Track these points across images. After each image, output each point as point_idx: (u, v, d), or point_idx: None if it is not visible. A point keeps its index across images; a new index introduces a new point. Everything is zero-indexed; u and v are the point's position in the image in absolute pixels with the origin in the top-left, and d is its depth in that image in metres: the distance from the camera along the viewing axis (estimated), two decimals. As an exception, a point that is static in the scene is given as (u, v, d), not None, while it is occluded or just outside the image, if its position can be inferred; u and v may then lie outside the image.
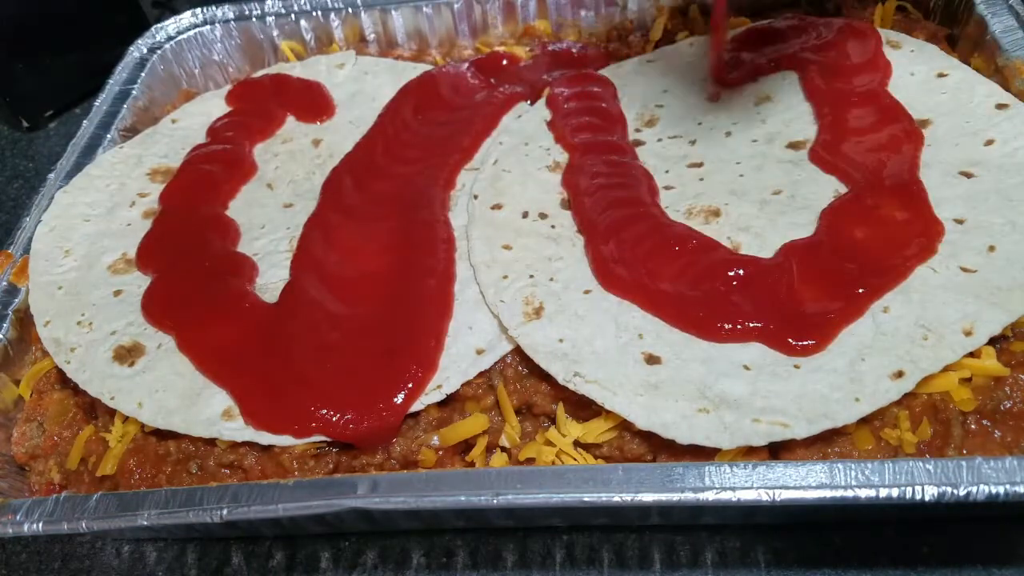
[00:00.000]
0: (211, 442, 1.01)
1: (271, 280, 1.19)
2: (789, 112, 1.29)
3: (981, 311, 0.95)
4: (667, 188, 1.20)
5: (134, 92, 1.55)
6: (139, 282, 1.20)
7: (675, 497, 0.84)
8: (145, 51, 1.62)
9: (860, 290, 0.98)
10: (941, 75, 1.27)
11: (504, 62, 1.54)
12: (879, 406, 0.90)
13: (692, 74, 1.42)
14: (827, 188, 1.14)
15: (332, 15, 1.64)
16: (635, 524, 1.05)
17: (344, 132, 1.44)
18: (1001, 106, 1.19)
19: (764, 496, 0.83)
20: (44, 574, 1.12)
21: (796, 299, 0.99)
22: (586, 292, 1.07)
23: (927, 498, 0.81)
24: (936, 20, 1.44)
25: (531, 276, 1.10)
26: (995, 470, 0.82)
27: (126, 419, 1.05)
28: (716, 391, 0.93)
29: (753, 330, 0.98)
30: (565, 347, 1.00)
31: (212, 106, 1.54)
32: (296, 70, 1.59)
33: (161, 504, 0.91)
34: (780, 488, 0.83)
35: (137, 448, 1.03)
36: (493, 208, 1.21)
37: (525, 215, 1.20)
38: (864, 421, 0.91)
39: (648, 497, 0.84)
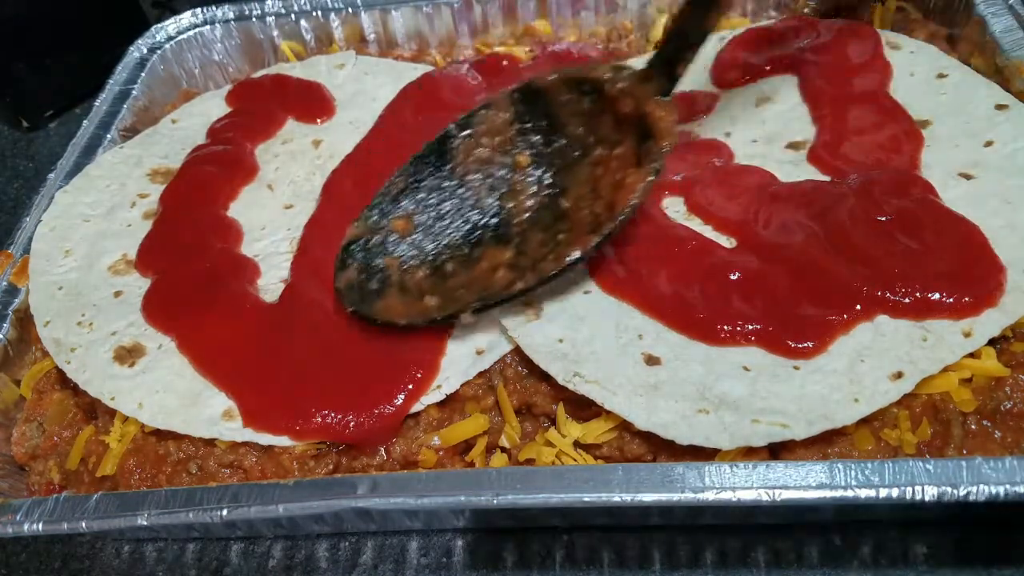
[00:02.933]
0: (211, 442, 1.01)
1: (272, 281, 1.19)
2: (789, 112, 1.29)
3: (980, 312, 0.95)
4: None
5: (134, 92, 1.55)
6: (139, 283, 1.20)
7: (675, 497, 0.84)
8: (145, 51, 1.62)
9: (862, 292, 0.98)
10: (941, 76, 1.27)
11: (504, 63, 1.54)
12: (878, 407, 0.90)
13: (692, 75, 1.41)
14: (827, 188, 1.15)
15: (332, 15, 1.64)
16: (635, 524, 1.05)
17: (344, 133, 1.44)
18: (1001, 107, 1.19)
19: (764, 496, 0.83)
20: (44, 574, 1.12)
21: (795, 301, 0.99)
22: (586, 292, 1.07)
23: (927, 498, 0.81)
24: (936, 20, 1.44)
25: (531, 276, 1.10)
26: (995, 470, 0.82)
27: (126, 419, 1.05)
28: (716, 392, 0.93)
29: (752, 332, 0.98)
30: (565, 347, 1.00)
31: (212, 106, 1.54)
32: (296, 70, 1.58)
33: (161, 504, 0.92)
34: (780, 488, 0.83)
35: (137, 448, 1.03)
36: (493, 208, 1.20)
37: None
38: (864, 421, 0.91)
39: (648, 497, 0.84)
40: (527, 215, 1.06)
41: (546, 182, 1.07)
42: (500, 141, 1.10)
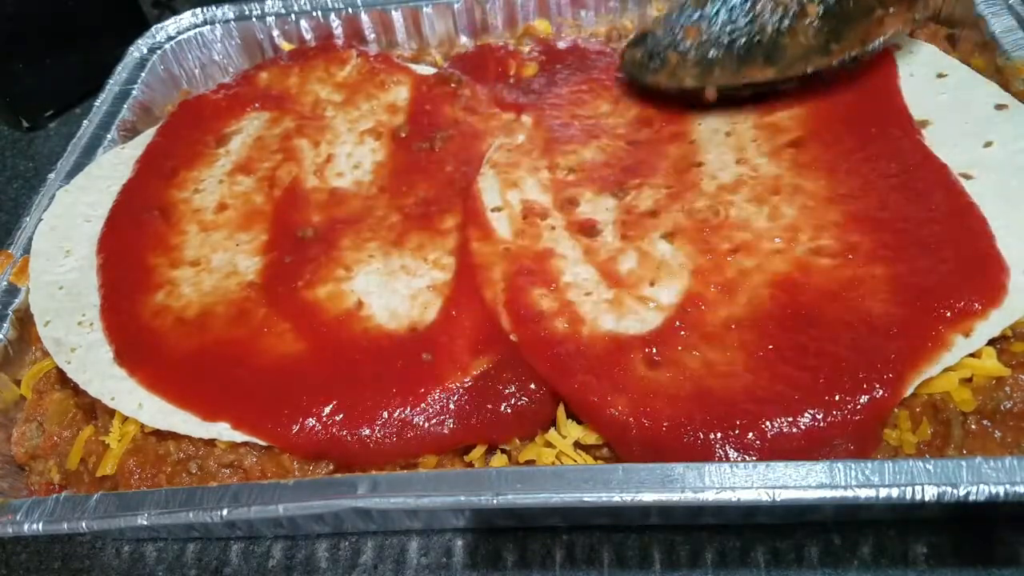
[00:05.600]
0: (211, 442, 1.01)
1: None
2: (790, 111, 1.29)
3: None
4: (667, 188, 1.20)
5: (134, 92, 1.55)
6: (139, 282, 1.20)
7: (675, 497, 0.84)
8: (145, 51, 1.62)
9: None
10: (941, 75, 1.27)
11: (500, 53, 1.54)
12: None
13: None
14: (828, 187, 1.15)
15: (332, 15, 1.64)
16: (635, 524, 1.05)
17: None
18: (1000, 107, 1.19)
19: (764, 496, 0.83)
20: (44, 574, 1.12)
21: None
22: (587, 294, 1.07)
23: (927, 498, 0.81)
24: (936, 20, 1.44)
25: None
26: (995, 470, 0.82)
27: (126, 419, 1.05)
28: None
29: None
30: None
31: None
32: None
33: (161, 504, 0.92)
34: (780, 488, 0.83)
35: (137, 448, 1.03)
36: (493, 210, 1.21)
37: (525, 216, 1.20)
38: (864, 421, 0.91)
39: (648, 497, 0.84)
40: (799, 52, 1.23)
41: (825, 29, 1.23)
42: None
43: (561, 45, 1.53)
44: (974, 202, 1.05)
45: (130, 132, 1.50)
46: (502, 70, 1.50)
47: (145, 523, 0.91)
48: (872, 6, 1.22)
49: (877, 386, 0.91)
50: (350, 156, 1.37)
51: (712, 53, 1.28)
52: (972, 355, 0.94)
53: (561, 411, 1.00)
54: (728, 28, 1.29)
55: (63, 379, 1.12)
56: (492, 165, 1.29)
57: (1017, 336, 0.97)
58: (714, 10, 1.32)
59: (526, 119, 1.37)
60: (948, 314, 0.94)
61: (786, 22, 1.25)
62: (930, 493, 0.81)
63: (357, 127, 1.41)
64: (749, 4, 1.29)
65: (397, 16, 1.63)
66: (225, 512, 0.90)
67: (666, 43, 1.33)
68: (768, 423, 0.90)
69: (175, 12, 1.70)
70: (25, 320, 1.19)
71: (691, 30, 1.31)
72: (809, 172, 1.16)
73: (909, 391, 0.91)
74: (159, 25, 1.66)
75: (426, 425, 0.98)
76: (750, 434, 0.90)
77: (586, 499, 0.85)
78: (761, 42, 1.25)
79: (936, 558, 0.99)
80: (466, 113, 1.39)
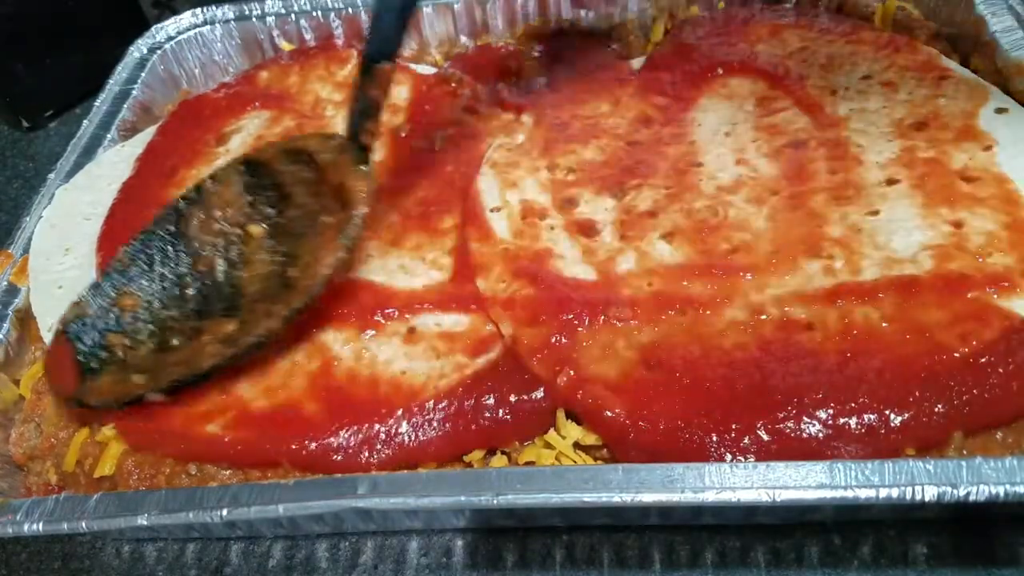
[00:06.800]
0: (211, 442, 1.01)
1: None
2: (790, 111, 1.29)
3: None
4: (667, 188, 1.20)
5: (134, 92, 1.55)
6: (139, 282, 1.20)
7: (675, 497, 0.84)
8: (145, 51, 1.62)
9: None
10: (941, 77, 1.27)
11: (502, 51, 1.53)
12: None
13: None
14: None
15: (332, 15, 1.64)
16: (635, 524, 1.05)
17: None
18: (1000, 110, 1.19)
19: (764, 496, 0.83)
20: (44, 574, 1.12)
21: None
22: (585, 292, 1.08)
23: (927, 498, 0.81)
24: (936, 20, 1.44)
25: (529, 277, 1.10)
26: (995, 470, 0.82)
27: (125, 419, 1.05)
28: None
29: None
30: (563, 348, 1.01)
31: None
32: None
33: (161, 504, 0.92)
34: (780, 488, 0.83)
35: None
36: (492, 210, 1.21)
37: (524, 216, 1.20)
38: (864, 422, 0.91)
39: (648, 497, 0.84)
40: (257, 286, 1.02)
41: (278, 251, 1.05)
42: (233, 212, 1.08)
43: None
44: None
45: (130, 132, 1.50)
46: (502, 70, 1.50)
47: (145, 523, 0.91)
48: (316, 211, 1.04)
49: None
50: (350, 156, 1.37)
51: (159, 321, 1.02)
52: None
53: (560, 412, 1.00)
54: (173, 279, 1.04)
55: (63, 379, 1.12)
56: (492, 165, 1.29)
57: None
58: (147, 264, 1.06)
59: (526, 119, 1.37)
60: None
61: (234, 251, 1.05)
62: (930, 493, 0.81)
63: (357, 127, 1.41)
64: (183, 242, 1.05)
65: (397, 16, 1.63)
66: (225, 512, 0.90)
67: (102, 325, 1.04)
68: (765, 426, 0.90)
69: (175, 12, 1.70)
70: (25, 320, 1.19)
71: (128, 298, 1.03)
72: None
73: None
74: (159, 25, 1.66)
75: (424, 434, 0.98)
76: (746, 438, 0.90)
77: (586, 499, 0.85)
78: (216, 286, 1.02)
79: (936, 558, 0.99)
80: (466, 113, 1.39)
